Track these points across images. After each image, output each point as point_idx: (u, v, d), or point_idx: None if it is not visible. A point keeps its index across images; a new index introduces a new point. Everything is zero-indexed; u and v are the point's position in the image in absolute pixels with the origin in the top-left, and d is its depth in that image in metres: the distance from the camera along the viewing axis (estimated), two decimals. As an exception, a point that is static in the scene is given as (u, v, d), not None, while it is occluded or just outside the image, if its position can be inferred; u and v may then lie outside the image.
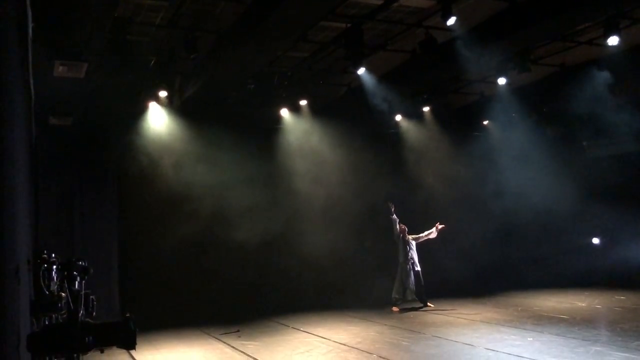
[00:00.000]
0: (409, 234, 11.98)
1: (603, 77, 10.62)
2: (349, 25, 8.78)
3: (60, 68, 7.76)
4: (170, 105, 11.10)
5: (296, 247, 12.12)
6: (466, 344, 8.22)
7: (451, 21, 8.16)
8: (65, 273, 3.04)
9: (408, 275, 11.84)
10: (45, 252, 3.26)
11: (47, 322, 2.96)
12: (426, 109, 13.29)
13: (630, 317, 9.83)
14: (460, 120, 13.90)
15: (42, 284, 2.99)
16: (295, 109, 12.32)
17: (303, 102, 12.07)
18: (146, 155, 10.91)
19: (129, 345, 2.59)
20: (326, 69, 11.07)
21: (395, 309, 11.80)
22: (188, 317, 10.90)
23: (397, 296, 11.94)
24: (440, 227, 11.91)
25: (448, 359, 7.41)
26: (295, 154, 12.57)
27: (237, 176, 11.43)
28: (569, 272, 13.99)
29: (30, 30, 3.84)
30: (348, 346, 8.45)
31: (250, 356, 8.05)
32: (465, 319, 10.37)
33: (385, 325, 10.16)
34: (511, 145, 13.54)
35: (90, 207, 10.74)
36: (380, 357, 7.69)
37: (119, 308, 10.48)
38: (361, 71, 10.06)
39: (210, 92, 10.55)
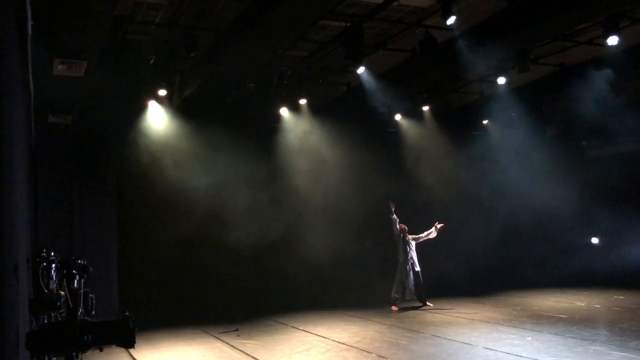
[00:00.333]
0: (409, 233, 11.98)
1: (603, 76, 10.63)
2: (348, 24, 8.77)
3: (60, 67, 7.75)
4: (170, 104, 11.10)
5: (295, 245, 12.12)
6: (465, 343, 8.22)
7: (451, 20, 8.16)
8: (65, 271, 3.04)
9: (407, 275, 11.84)
10: (44, 250, 3.27)
11: (46, 321, 2.96)
12: (426, 108, 13.30)
13: (628, 317, 9.85)
14: (459, 119, 13.91)
15: (42, 282, 2.99)
16: (294, 108, 12.33)
17: (303, 101, 12.08)
18: (145, 153, 10.91)
19: (128, 343, 2.60)
20: (326, 68, 11.07)
21: (394, 308, 11.81)
22: (187, 315, 10.92)
23: (396, 295, 11.94)
24: (439, 226, 11.91)
25: (447, 358, 7.42)
26: (294, 153, 12.57)
27: (237, 175, 11.43)
28: (568, 271, 14.02)
29: (29, 29, 3.84)
30: (347, 345, 8.45)
31: (249, 355, 8.05)
32: (464, 318, 10.38)
33: (385, 324, 10.16)
34: (510, 144, 13.55)
35: (89, 205, 10.73)
36: (379, 356, 7.70)
37: (118, 307, 10.48)
38: (361, 70, 10.06)
39: (209, 91, 10.55)
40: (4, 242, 2.02)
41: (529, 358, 7.18)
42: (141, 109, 10.98)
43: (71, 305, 2.76)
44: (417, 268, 11.89)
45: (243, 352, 8.28)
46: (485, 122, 14.31)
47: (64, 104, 9.65)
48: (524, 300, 12.22)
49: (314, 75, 11.40)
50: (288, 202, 12.39)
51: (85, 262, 3.12)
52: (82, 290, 2.96)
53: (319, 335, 9.27)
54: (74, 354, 2.60)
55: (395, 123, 13.64)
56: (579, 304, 11.59)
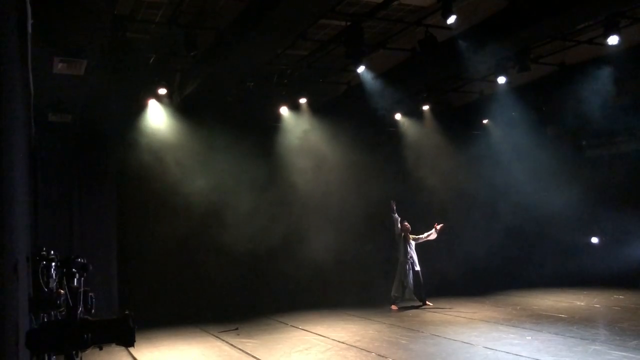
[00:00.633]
0: (410, 233, 11.98)
1: (603, 76, 10.63)
2: (348, 23, 8.78)
3: (60, 65, 7.74)
4: (170, 102, 11.10)
5: (295, 244, 12.11)
6: (465, 342, 8.22)
7: (451, 20, 8.15)
8: (64, 270, 3.04)
9: (407, 274, 11.84)
10: (44, 249, 3.27)
11: (46, 319, 2.95)
12: (426, 107, 13.30)
13: (628, 316, 9.85)
14: (459, 119, 13.90)
15: (41, 281, 2.99)
16: (294, 107, 12.32)
17: (303, 101, 12.07)
18: (145, 152, 10.90)
19: (128, 342, 2.59)
20: (326, 67, 11.07)
21: (394, 307, 11.81)
22: (187, 314, 10.92)
23: (396, 295, 11.95)
24: (439, 227, 11.92)
25: (447, 358, 7.41)
26: (294, 152, 12.56)
27: (237, 174, 11.43)
28: (567, 271, 14.02)
29: (29, 27, 3.83)
30: (347, 344, 8.45)
31: (249, 354, 8.05)
32: (463, 317, 10.39)
33: (384, 323, 10.16)
34: (511, 144, 13.54)
35: (89, 203, 10.72)
36: (378, 355, 7.70)
37: (118, 305, 10.48)
38: (361, 69, 10.06)
39: (209, 90, 10.55)
40: (4, 240, 2.02)
41: (528, 357, 7.18)
42: (141, 107, 10.99)
43: (71, 304, 2.76)
44: (417, 267, 11.89)
45: (243, 351, 8.28)
46: (485, 121, 14.31)
47: (64, 103, 9.65)
48: (523, 300, 12.22)
49: (314, 75, 11.40)
50: (288, 201, 12.38)
51: (85, 261, 3.11)
52: (82, 289, 2.96)
53: (319, 335, 9.27)
54: (74, 352, 2.59)
55: (396, 122, 13.64)
56: (578, 303, 11.59)
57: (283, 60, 10.58)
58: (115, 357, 7.99)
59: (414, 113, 13.41)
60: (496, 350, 7.64)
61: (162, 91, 10.59)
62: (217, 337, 9.37)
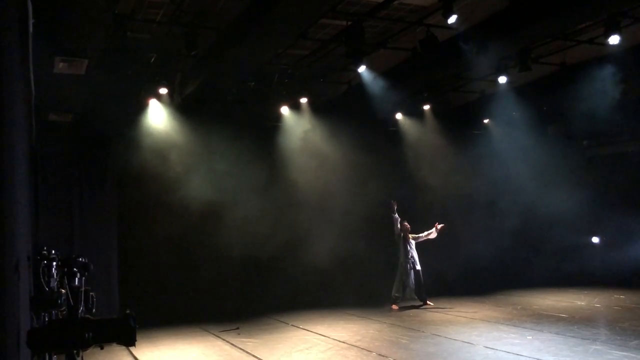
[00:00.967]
0: (409, 233, 11.98)
1: (604, 76, 10.62)
2: (349, 22, 8.76)
3: (61, 64, 7.75)
4: (171, 102, 11.10)
5: (296, 244, 12.11)
6: (465, 342, 8.23)
7: (452, 19, 8.15)
8: (65, 269, 3.04)
9: (408, 274, 11.84)
10: (45, 248, 3.26)
11: (47, 319, 2.96)
12: (426, 107, 13.27)
13: (629, 316, 9.85)
14: (460, 118, 13.89)
15: (42, 280, 2.99)
16: (295, 106, 12.31)
17: (303, 100, 12.07)
18: (146, 151, 10.90)
19: (129, 341, 2.60)
20: (326, 66, 11.06)
21: (394, 307, 11.82)
22: (187, 314, 10.92)
23: (396, 294, 11.95)
24: (439, 226, 11.92)
25: (447, 357, 7.42)
26: (295, 152, 12.56)
27: (237, 174, 11.42)
28: (568, 271, 14.01)
29: (30, 26, 3.84)
30: (347, 344, 8.46)
31: (250, 353, 8.06)
32: (464, 317, 10.39)
33: (385, 323, 10.17)
34: (511, 144, 13.53)
35: (90, 203, 10.73)
36: (379, 355, 7.70)
37: (119, 305, 10.49)
38: (362, 69, 10.05)
39: (210, 89, 10.54)
40: (5, 239, 2.02)
41: (529, 357, 7.18)
42: (142, 107, 10.98)
43: (72, 303, 2.76)
44: (418, 267, 11.89)
45: (243, 350, 8.28)
46: (485, 121, 14.29)
47: (64, 102, 9.65)
48: (524, 300, 12.22)
49: (314, 74, 11.39)
50: (288, 200, 12.38)
51: (86, 260, 3.11)
52: (83, 288, 2.96)
53: (320, 334, 9.27)
54: (75, 351, 2.60)
55: (396, 122, 13.63)
56: (579, 303, 11.59)
57: (283, 60, 10.58)
58: (116, 356, 8.01)
59: (414, 113, 13.40)
60: (497, 350, 7.64)
61: (163, 91, 10.59)
62: (217, 336, 9.38)
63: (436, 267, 12.73)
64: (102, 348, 2.65)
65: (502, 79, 10.99)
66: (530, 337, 8.40)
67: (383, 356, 7.61)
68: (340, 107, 12.37)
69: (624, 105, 11.45)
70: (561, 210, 13.49)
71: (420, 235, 12.02)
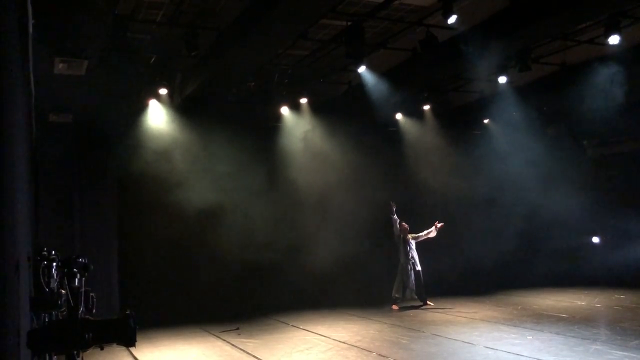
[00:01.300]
0: (409, 232, 11.98)
1: (604, 76, 10.62)
2: (349, 23, 8.77)
3: (61, 65, 7.76)
4: (171, 102, 11.10)
5: (296, 244, 12.11)
6: (465, 342, 8.22)
7: (452, 19, 8.15)
8: (65, 270, 3.03)
9: (408, 275, 11.84)
10: (45, 249, 3.26)
11: (47, 319, 2.95)
12: (426, 107, 13.28)
13: (629, 316, 9.85)
14: (460, 119, 13.90)
15: (42, 281, 2.98)
16: (295, 107, 12.32)
17: (303, 100, 12.07)
18: (146, 152, 10.90)
19: (129, 342, 2.60)
20: (327, 67, 11.07)
21: (395, 307, 11.82)
22: (188, 314, 10.92)
23: (397, 295, 11.95)
24: (439, 225, 11.91)
25: (447, 357, 7.41)
26: (295, 152, 12.57)
27: (237, 174, 11.42)
28: (568, 270, 14.01)
29: (30, 27, 3.83)
30: (348, 344, 8.45)
31: (250, 354, 8.06)
32: (464, 317, 10.38)
33: (385, 323, 10.16)
34: (511, 144, 13.54)
35: (90, 203, 10.73)
36: (379, 355, 7.70)
37: (119, 305, 10.48)
38: (362, 69, 10.06)
39: (210, 90, 10.55)
40: (5, 240, 2.02)
41: (529, 357, 7.18)
42: (142, 107, 10.98)
43: (72, 304, 2.76)
44: (418, 267, 11.89)
45: (244, 351, 8.28)
46: (486, 121, 14.29)
47: (64, 103, 9.66)
48: (524, 300, 12.22)
49: (314, 74, 11.40)
50: (288, 200, 12.38)
51: (86, 261, 3.11)
52: (83, 289, 2.96)
53: (320, 334, 9.27)
54: (75, 352, 2.60)
55: (396, 122, 13.63)
56: (579, 303, 11.59)
57: (283, 60, 10.58)
58: (116, 357, 8.00)
59: (414, 113, 13.40)
60: (497, 350, 7.64)
61: (163, 91, 10.60)
62: (218, 337, 9.37)
63: (436, 267, 12.72)
64: (102, 348, 2.65)
65: (502, 79, 11.00)
66: (531, 337, 8.40)
67: (383, 356, 7.61)
68: (340, 108, 12.38)
69: (624, 105, 11.45)
70: (561, 210, 13.49)
71: (420, 234, 12.02)
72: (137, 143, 10.85)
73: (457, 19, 8.19)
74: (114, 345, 2.65)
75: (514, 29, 8.71)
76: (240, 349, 8.38)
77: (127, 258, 11.17)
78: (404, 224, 11.96)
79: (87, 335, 2.49)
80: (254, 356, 7.92)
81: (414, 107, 13.05)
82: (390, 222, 11.89)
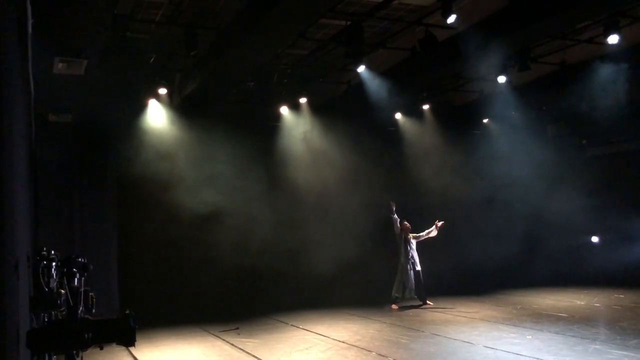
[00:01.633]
0: (410, 232, 11.98)
1: (603, 75, 10.62)
2: (348, 22, 8.77)
3: (60, 65, 7.77)
4: (170, 102, 11.10)
5: (296, 244, 12.11)
6: (465, 341, 8.23)
7: (451, 19, 8.15)
8: (65, 270, 3.04)
9: (408, 274, 11.84)
10: (44, 248, 3.26)
11: (46, 319, 2.96)
12: (426, 106, 13.28)
13: (629, 316, 9.85)
14: (460, 118, 13.89)
15: (42, 280, 2.99)
16: (295, 106, 12.32)
17: (303, 100, 12.07)
18: (146, 152, 10.90)
19: (129, 342, 2.60)
20: (326, 66, 11.07)
21: (394, 306, 11.82)
22: (187, 314, 10.91)
23: (396, 294, 11.95)
24: (440, 224, 11.91)
25: (447, 357, 7.42)
26: (294, 151, 12.57)
27: (237, 173, 11.42)
28: (568, 270, 14.01)
29: (29, 27, 3.84)
30: (347, 344, 8.46)
31: (250, 354, 8.06)
32: (464, 317, 10.39)
33: (385, 323, 10.17)
34: (511, 143, 13.53)
35: (89, 203, 10.72)
36: (379, 354, 7.70)
37: (119, 305, 10.48)
38: (361, 69, 10.05)
39: (210, 89, 10.55)
40: (5, 240, 2.02)
41: (529, 357, 7.18)
42: (141, 107, 10.98)
43: (71, 304, 2.76)
44: (418, 267, 11.89)
45: (243, 350, 8.28)
46: (485, 120, 14.30)
47: (64, 103, 9.65)
48: (524, 299, 12.22)
49: (314, 74, 11.40)
50: (288, 200, 12.38)
51: (86, 261, 3.11)
52: (83, 289, 2.96)
53: (319, 334, 9.27)
54: (75, 352, 2.60)
55: (396, 122, 13.63)
56: (579, 302, 11.59)
57: (283, 60, 10.58)
58: (115, 356, 8.00)
59: (414, 112, 13.40)
60: (496, 349, 7.64)
61: (163, 91, 10.59)
62: (217, 336, 9.37)
63: (436, 267, 12.72)
64: (101, 348, 2.65)
65: (502, 79, 11.00)
66: (530, 337, 8.40)
67: (383, 356, 7.61)
68: (340, 107, 12.38)
69: (624, 105, 11.45)
70: (561, 209, 13.49)
71: (421, 234, 12.01)
72: (137, 143, 10.85)
73: (457, 19, 8.19)
74: (114, 345, 2.65)
75: (514, 29, 8.71)
76: (240, 349, 8.38)
77: (127, 258, 11.17)
78: (405, 222, 11.95)
79: (86, 335, 2.49)
80: (253, 356, 7.92)
81: (413, 106, 13.05)
82: (391, 222, 11.89)
